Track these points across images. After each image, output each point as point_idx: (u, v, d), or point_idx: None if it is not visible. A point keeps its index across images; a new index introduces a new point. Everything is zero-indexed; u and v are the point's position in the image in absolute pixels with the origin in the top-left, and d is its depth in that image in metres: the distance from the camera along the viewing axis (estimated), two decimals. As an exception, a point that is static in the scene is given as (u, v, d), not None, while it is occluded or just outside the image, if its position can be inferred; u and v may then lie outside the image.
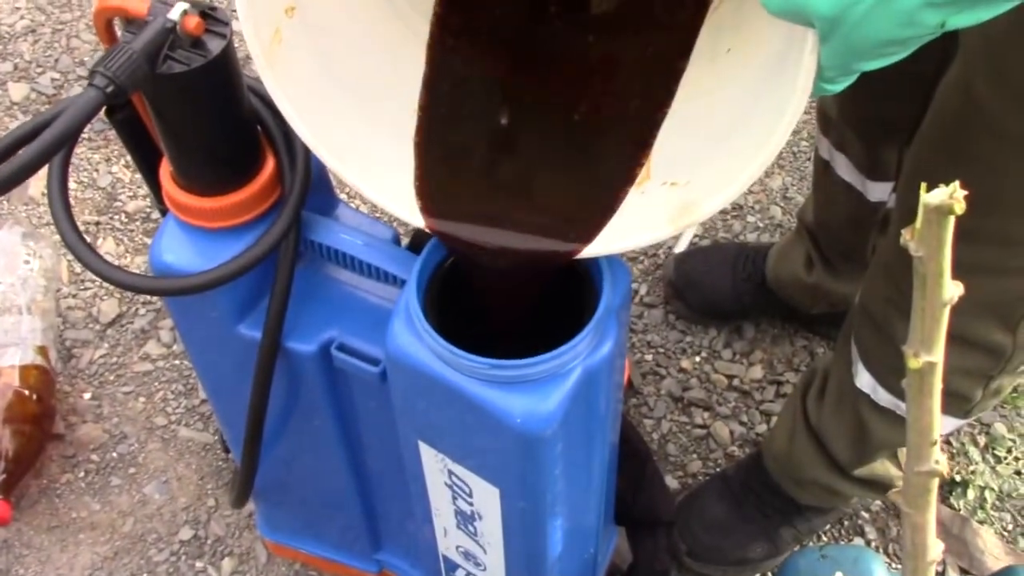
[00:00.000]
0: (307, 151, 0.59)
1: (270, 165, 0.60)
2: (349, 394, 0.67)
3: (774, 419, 1.07)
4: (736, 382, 1.11)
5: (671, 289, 1.16)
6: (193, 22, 0.50)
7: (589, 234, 0.53)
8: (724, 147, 0.50)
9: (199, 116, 0.55)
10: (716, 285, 1.13)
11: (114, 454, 1.06)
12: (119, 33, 0.53)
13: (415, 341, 0.54)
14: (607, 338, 0.55)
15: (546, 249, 0.54)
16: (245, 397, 0.64)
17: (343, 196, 1.30)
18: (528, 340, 0.58)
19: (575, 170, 0.54)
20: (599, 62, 0.53)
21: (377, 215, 1.29)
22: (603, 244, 0.53)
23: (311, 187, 0.61)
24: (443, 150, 0.55)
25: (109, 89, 0.47)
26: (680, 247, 1.25)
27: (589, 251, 0.54)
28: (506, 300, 0.61)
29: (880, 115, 0.87)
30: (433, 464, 0.61)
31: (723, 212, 1.31)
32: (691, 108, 0.51)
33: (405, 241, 0.66)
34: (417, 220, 0.55)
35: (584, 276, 0.58)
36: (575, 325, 0.54)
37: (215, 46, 0.51)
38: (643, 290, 1.20)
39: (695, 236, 1.27)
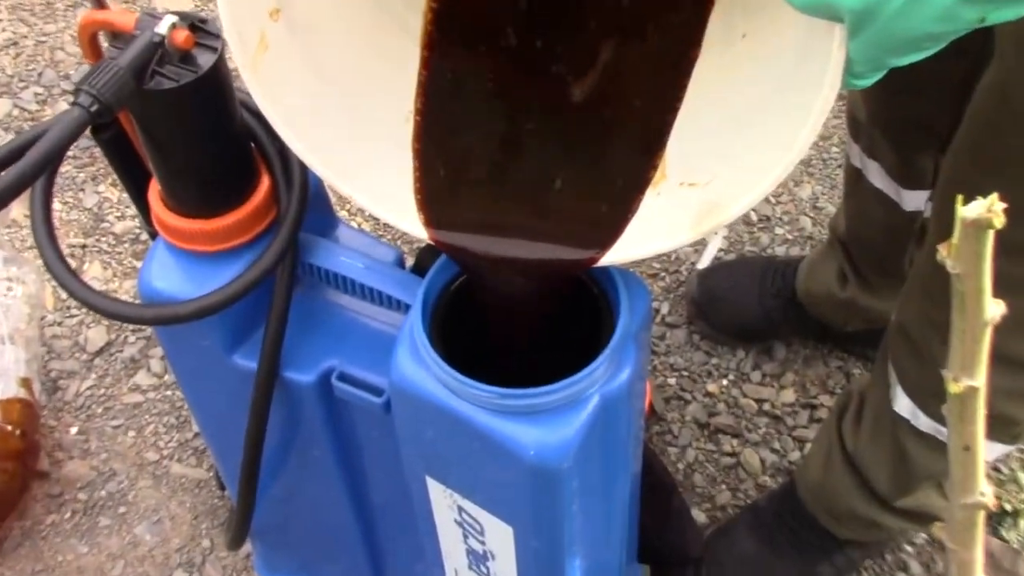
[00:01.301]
0: (303, 168, 0.59)
1: (265, 184, 0.60)
2: (351, 427, 0.67)
3: (808, 446, 1.05)
4: (767, 406, 1.10)
5: (695, 307, 1.15)
6: (182, 36, 0.51)
7: (606, 240, 0.53)
8: (745, 144, 0.50)
9: (189, 134, 0.55)
10: (743, 302, 1.12)
11: (102, 492, 1.06)
12: (105, 48, 0.54)
13: (420, 369, 0.54)
14: (626, 362, 0.54)
15: (560, 258, 0.54)
16: (241, 431, 0.64)
17: (343, 214, 1.29)
18: (541, 367, 0.58)
19: (586, 171, 0.54)
20: (605, 54, 0.52)
21: (380, 233, 1.29)
22: (622, 251, 0.53)
23: (308, 206, 0.61)
24: (444, 156, 0.55)
25: (94, 108, 0.48)
26: (704, 262, 1.24)
27: (608, 259, 0.53)
28: (517, 322, 0.61)
29: (913, 118, 0.87)
30: (442, 500, 0.61)
31: (749, 224, 1.30)
32: (705, 102, 0.51)
33: (409, 263, 0.66)
34: (420, 232, 0.55)
35: (600, 297, 0.58)
36: (591, 349, 0.54)
37: (205, 60, 0.51)
38: (664, 309, 1.19)
39: (719, 250, 1.26)
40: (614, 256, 0.54)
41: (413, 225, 0.56)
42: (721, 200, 0.50)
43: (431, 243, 0.57)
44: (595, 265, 0.55)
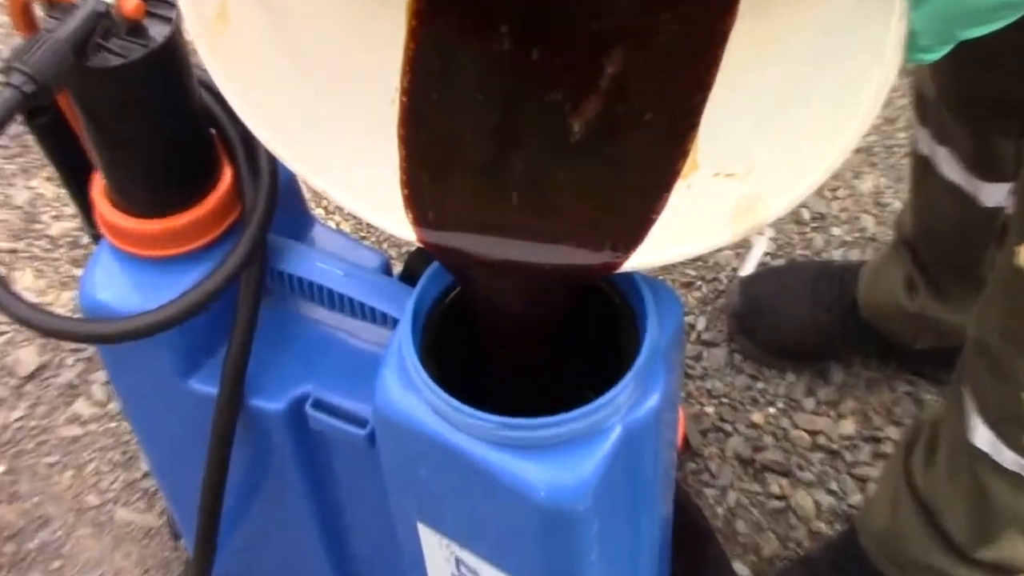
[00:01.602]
0: (272, 158, 0.59)
1: (227, 177, 0.61)
2: (329, 463, 0.67)
3: (871, 487, 1.05)
4: (822, 440, 1.10)
5: (737, 322, 1.15)
6: (131, 4, 0.52)
7: (628, 241, 0.54)
8: (789, 128, 0.50)
9: (139, 119, 0.56)
10: (794, 316, 1.12)
11: (34, 543, 1.05)
12: (40, 19, 0.55)
13: (411, 396, 0.54)
14: (654, 387, 0.54)
15: (574, 263, 0.54)
16: (199, 469, 0.65)
17: (318, 213, 1.29)
18: (553, 393, 0.58)
19: (605, 160, 0.54)
20: (627, 20, 0.51)
21: (362, 234, 1.29)
22: (648, 254, 0.54)
23: (278, 203, 0.61)
24: (434, 142, 0.55)
25: (29, 88, 0.49)
26: (747, 268, 1.23)
27: (631, 263, 0.54)
28: (524, 340, 0.61)
29: (989, 95, 0.86)
30: (436, 550, 0.61)
31: (800, 222, 1.29)
32: (742, 80, 0.51)
33: (397, 269, 0.67)
34: (408, 233, 0.56)
35: (623, 309, 0.58)
36: (612, 372, 0.54)
37: (159, 33, 0.52)
38: (701, 324, 1.19)
39: (765, 254, 1.25)
40: (638, 260, 0.54)
41: (400, 225, 0.56)
42: (762, 194, 0.51)
43: (421, 246, 0.57)
44: (616, 271, 0.55)
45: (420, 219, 0.56)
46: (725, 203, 0.52)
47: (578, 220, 0.55)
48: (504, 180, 0.55)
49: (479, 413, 0.52)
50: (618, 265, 0.54)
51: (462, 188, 0.56)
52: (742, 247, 1.28)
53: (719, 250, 1.28)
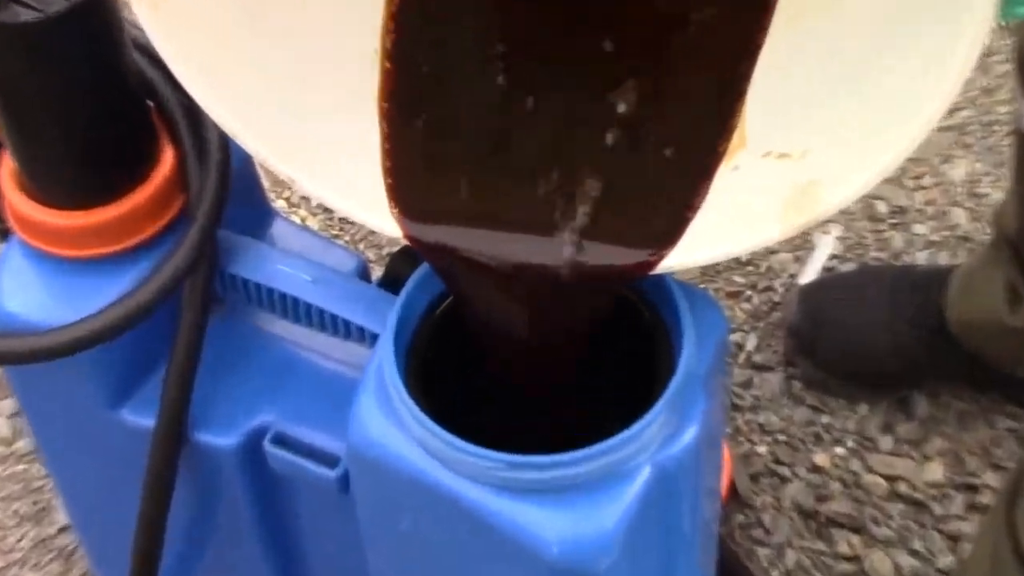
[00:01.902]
0: (224, 137, 0.60)
1: (167, 160, 0.61)
2: (292, 511, 0.67)
3: (965, 546, 1.05)
4: (902, 487, 1.09)
5: (796, 341, 1.16)
6: (48, -54, 0.53)
7: (666, 237, 0.54)
8: (855, 99, 0.50)
9: (58, 87, 0.56)
10: (866, 332, 1.13)
11: (-77, 615, 1.09)
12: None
13: (393, 429, 0.54)
14: (691, 418, 0.55)
15: (598, 265, 0.54)
16: (130, 519, 0.64)
17: (280, 205, 1.30)
18: (568, 425, 0.59)
19: (634, 137, 0.54)
20: None
21: (335, 232, 1.29)
22: (685, 252, 0.54)
23: (231, 192, 0.62)
24: (424, 116, 0.55)
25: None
26: (808, 274, 1.24)
27: (666, 264, 0.54)
28: (532, 361, 0.60)
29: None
30: (424, 618, 0.63)
31: (875, 218, 1.30)
32: (797, 40, 0.50)
33: (377, 274, 0.67)
34: (391, 228, 0.56)
35: (654, 322, 0.58)
36: (641, 400, 0.54)
37: (83, -19, 0.54)
38: (751, 344, 1.20)
39: (831, 256, 1.26)
40: (676, 259, 0.54)
41: (381, 218, 0.56)
42: (822, 179, 0.51)
43: (407, 244, 0.57)
44: (648, 274, 0.55)
45: (408, 210, 0.56)
46: (777, 190, 0.53)
47: (605, 209, 0.55)
48: (512, 163, 0.55)
49: (478, 450, 0.52)
50: (652, 265, 0.55)
51: (460, 173, 0.56)
52: (802, 248, 1.28)
53: (772, 251, 1.30)
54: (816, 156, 0.52)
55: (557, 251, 0.55)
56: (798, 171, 0.52)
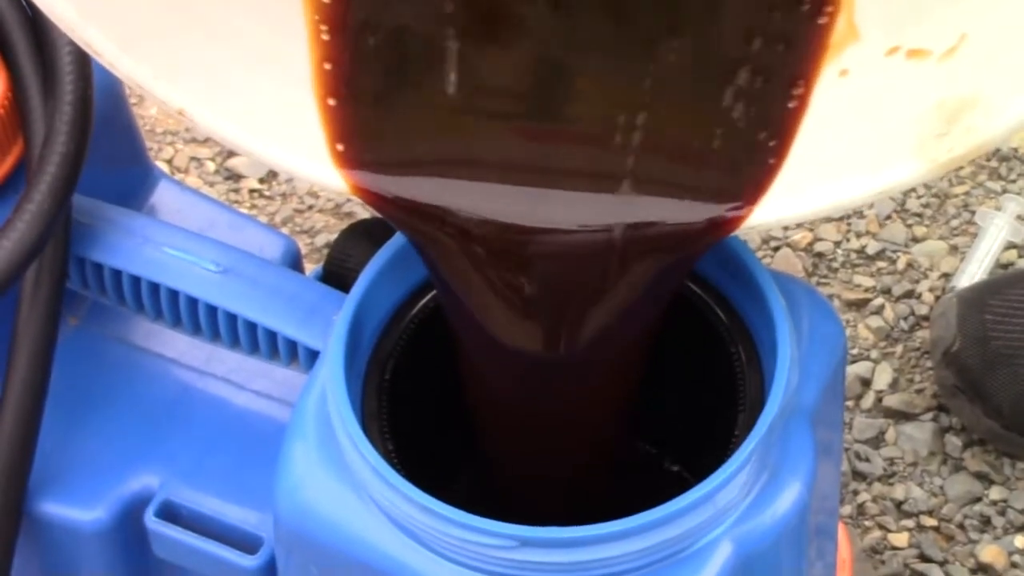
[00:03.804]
0: (82, 60, 0.62)
1: (-2, 89, 0.57)
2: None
3: None
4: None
5: (957, 374, 1.19)
6: None
7: (748, 181, 0.54)
8: None
9: None
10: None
11: None
12: None
13: (344, 492, 0.54)
14: (790, 475, 0.54)
15: (657, 224, 0.55)
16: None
17: (163, 162, 1.33)
18: (600, 483, 0.60)
19: (694, 34, 0.54)
20: None
21: (251, 202, 1.33)
22: (778, 202, 0.54)
23: (94, 139, 0.62)
24: (373, 25, 0.55)
25: None
26: (970, 273, 1.27)
27: (756, 220, 0.54)
28: (552, 389, 0.60)
29: None
30: None
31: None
32: None
33: (313, 266, 0.69)
34: (332, 179, 0.56)
35: (733, 333, 0.58)
36: (712, 443, 0.55)
37: None
38: (883, 378, 1.21)
39: (1008, 243, 1.30)
40: (765, 214, 0.54)
41: (317, 166, 0.56)
42: (982, 93, 0.50)
43: (360, 221, 0.57)
44: (729, 236, 0.55)
45: (357, 151, 0.56)
46: (910, 107, 0.51)
47: (657, 139, 0.55)
48: (521, 67, 0.55)
49: (477, 522, 0.51)
50: (733, 225, 0.54)
51: (442, 87, 0.55)
52: (961, 232, 1.32)
53: (914, 239, 1.31)
54: (974, 55, 0.51)
55: (594, 207, 0.56)
56: (941, 79, 0.51)
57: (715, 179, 0.54)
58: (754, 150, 0.54)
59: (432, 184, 0.55)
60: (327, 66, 0.56)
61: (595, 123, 0.55)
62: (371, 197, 0.56)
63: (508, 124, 0.56)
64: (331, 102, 0.55)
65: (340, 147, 0.56)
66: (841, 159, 0.53)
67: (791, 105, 0.53)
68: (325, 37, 0.56)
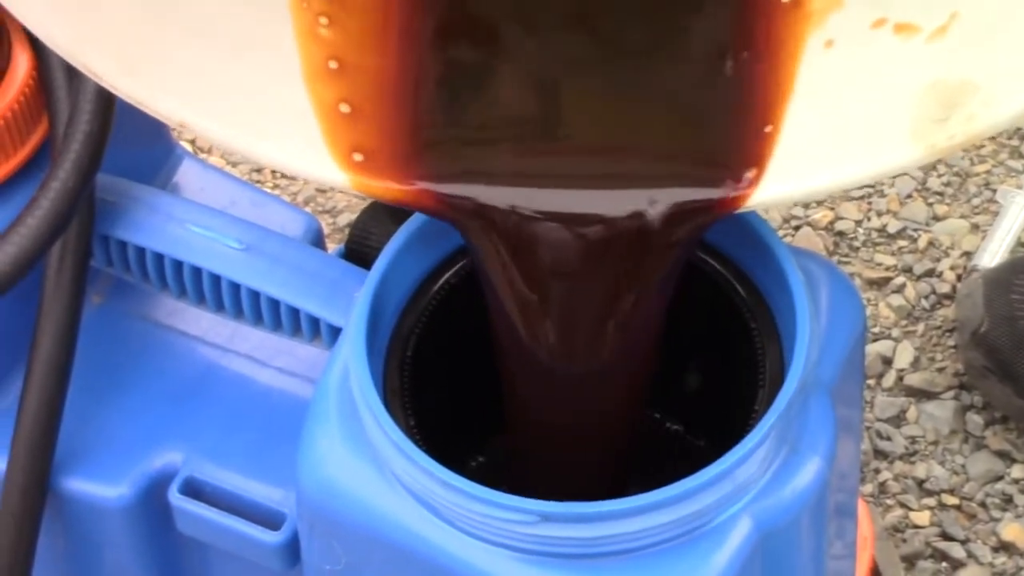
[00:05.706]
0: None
1: (20, 71, 0.63)
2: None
3: None
4: None
5: (982, 353, 1.19)
6: None
7: (740, 160, 0.54)
8: None
9: None
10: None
11: None
12: None
13: (367, 470, 0.53)
14: (809, 451, 0.54)
15: (670, 202, 0.54)
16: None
17: (187, 141, 1.30)
18: (619, 458, 0.60)
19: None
20: None
21: (270, 188, 1.32)
22: (779, 180, 0.54)
23: (117, 118, 0.62)
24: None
25: None
26: (992, 252, 1.28)
27: (760, 198, 0.54)
28: (576, 370, 0.59)
29: None
30: None
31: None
32: None
33: (335, 245, 0.69)
34: (334, 174, 0.55)
35: (751, 307, 0.58)
36: (731, 423, 0.55)
37: None
38: (904, 357, 1.20)
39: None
40: (768, 192, 0.54)
41: (320, 162, 0.55)
42: (979, 78, 0.49)
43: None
44: (738, 211, 0.54)
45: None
46: (903, 88, 0.51)
47: (654, 117, 0.56)
48: (521, 42, 0.55)
49: (503, 498, 0.50)
50: (739, 202, 0.54)
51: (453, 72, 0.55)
52: (982, 210, 1.31)
53: (935, 217, 1.31)
54: (961, 35, 0.50)
55: (606, 193, 0.56)
56: (932, 60, 0.51)
57: (718, 158, 0.56)
58: (748, 124, 0.55)
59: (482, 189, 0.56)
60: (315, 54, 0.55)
61: (598, 134, 0.58)
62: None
63: (522, 144, 0.57)
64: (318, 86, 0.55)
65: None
66: (836, 138, 0.54)
67: (778, 76, 0.54)
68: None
